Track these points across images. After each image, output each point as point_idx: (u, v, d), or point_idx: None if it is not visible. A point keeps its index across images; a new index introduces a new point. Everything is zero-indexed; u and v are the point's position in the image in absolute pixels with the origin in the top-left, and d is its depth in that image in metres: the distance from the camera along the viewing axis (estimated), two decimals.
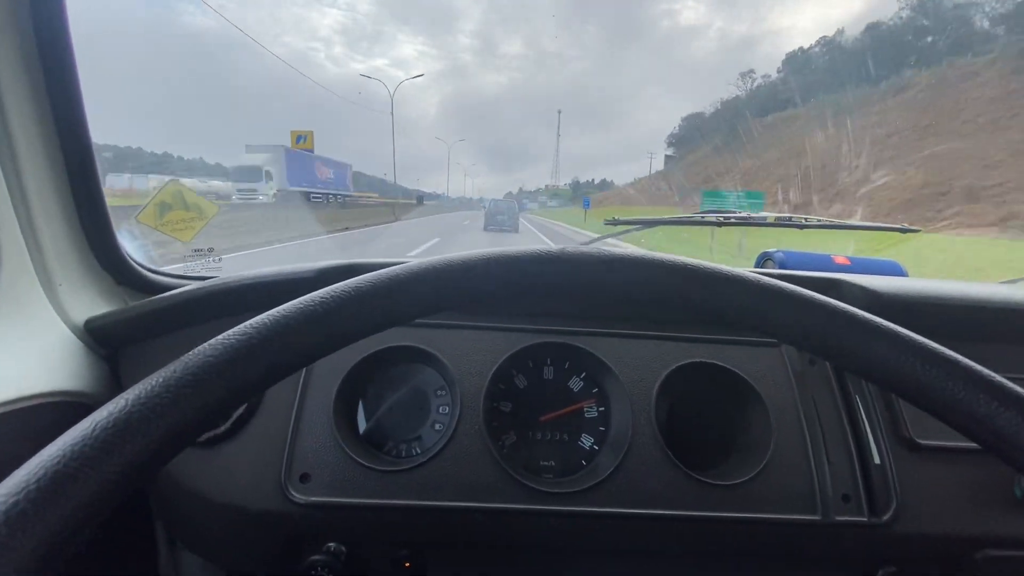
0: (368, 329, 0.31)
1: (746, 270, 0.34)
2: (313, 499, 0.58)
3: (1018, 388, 0.28)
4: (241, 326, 0.29)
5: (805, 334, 0.32)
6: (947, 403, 0.29)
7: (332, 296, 0.30)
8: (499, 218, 16.74)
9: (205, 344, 0.28)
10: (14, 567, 0.21)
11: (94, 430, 0.24)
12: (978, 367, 0.29)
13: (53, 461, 0.23)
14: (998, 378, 0.28)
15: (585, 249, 0.34)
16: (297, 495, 0.58)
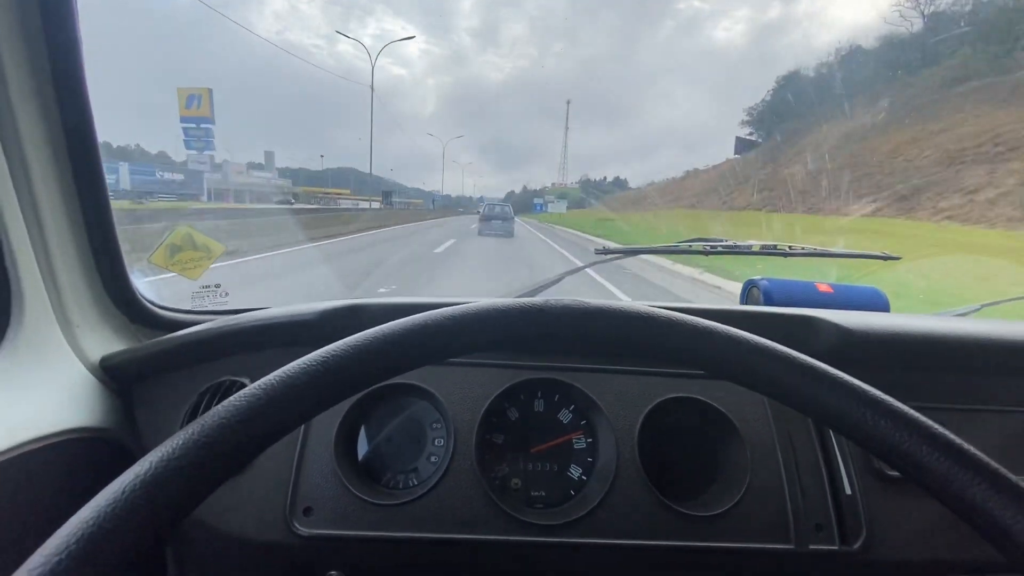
0: (367, 383, 0.36)
1: (679, 314, 0.38)
2: (316, 532, 0.62)
3: (930, 423, 0.32)
4: (249, 388, 0.33)
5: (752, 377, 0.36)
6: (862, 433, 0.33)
7: (332, 355, 0.34)
8: (494, 223, 16.47)
9: (220, 405, 0.32)
10: None
11: (123, 492, 0.28)
12: (891, 400, 0.33)
13: (87, 524, 0.27)
14: (916, 415, 0.33)
15: (566, 302, 0.38)
16: (301, 528, 0.62)
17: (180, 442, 0.30)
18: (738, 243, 1.08)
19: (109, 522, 0.27)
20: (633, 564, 0.64)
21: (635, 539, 0.63)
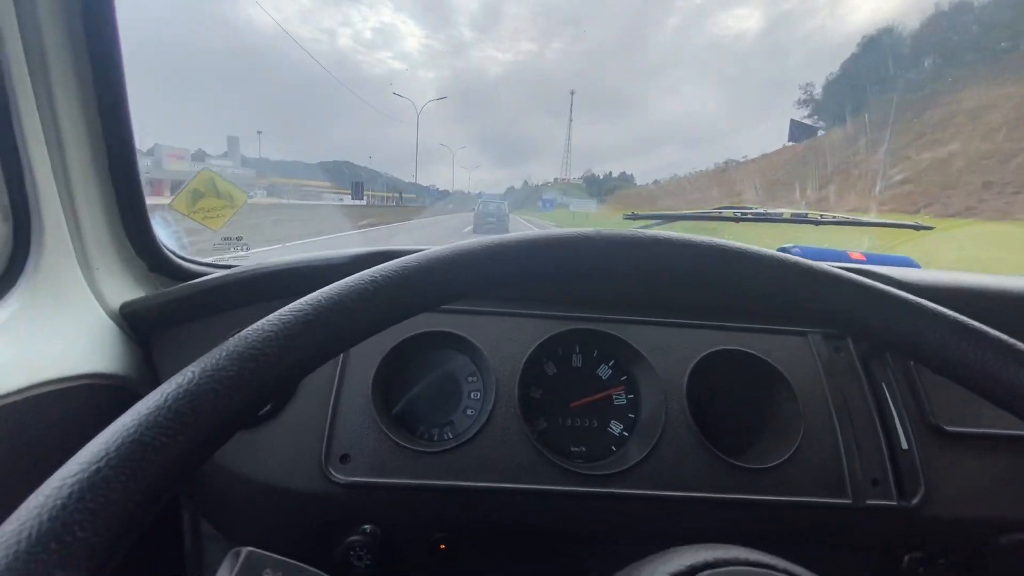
0: (417, 308, 0.32)
1: (778, 253, 0.35)
2: (353, 479, 0.59)
3: None
4: (296, 303, 0.30)
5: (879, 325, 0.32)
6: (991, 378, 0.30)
7: (381, 275, 0.31)
8: (489, 220, 16.50)
9: (261, 321, 0.29)
10: (104, 528, 0.21)
11: (165, 400, 0.25)
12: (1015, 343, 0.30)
13: (128, 431, 0.24)
14: None
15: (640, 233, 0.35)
16: (338, 475, 0.59)
17: (224, 353, 0.27)
18: (768, 211, 1.06)
19: (151, 430, 0.24)
20: (683, 517, 0.62)
21: (686, 491, 0.61)
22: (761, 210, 1.05)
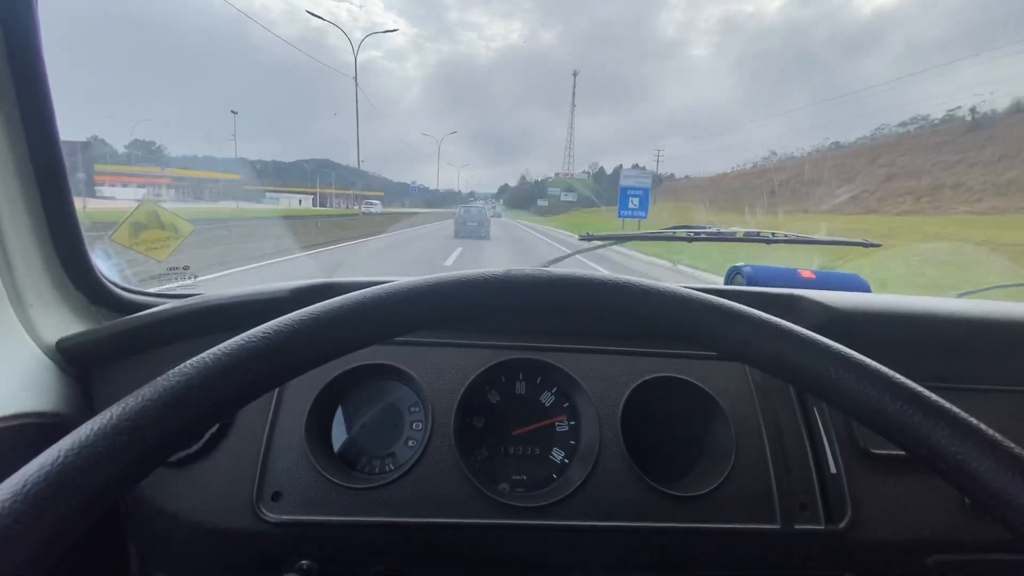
0: (332, 355, 0.33)
1: (680, 287, 0.36)
2: (285, 517, 0.59)
3: (937, 399, 0.31)
4: (180, 367, 0.30)
5: (746, 349, 0.34)
6: (874, 413, 0.31)
7: (292, 323, 0.32)
8: (470, 225, 16.15)
9: (178, 367, 0.29)
10: None
11: (58, 457, 0.25)
12: (907, 382, 0.31)
13: (14, 488, 0.24)
14: (928, 394, 0.31)
15: (531, 272, 0.36)
16: (269, 514, 0.59)
17: (121, 409, 0.27)
18: (722, 230, 1.08)
19: (40, 488, 0.24)
20: (617, 546, 0.63)
21: (619, 521, 0.62)
22: (714, 229, 1.07)
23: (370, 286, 0.35)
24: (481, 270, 0.36)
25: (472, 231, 15.82)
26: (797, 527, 0.63)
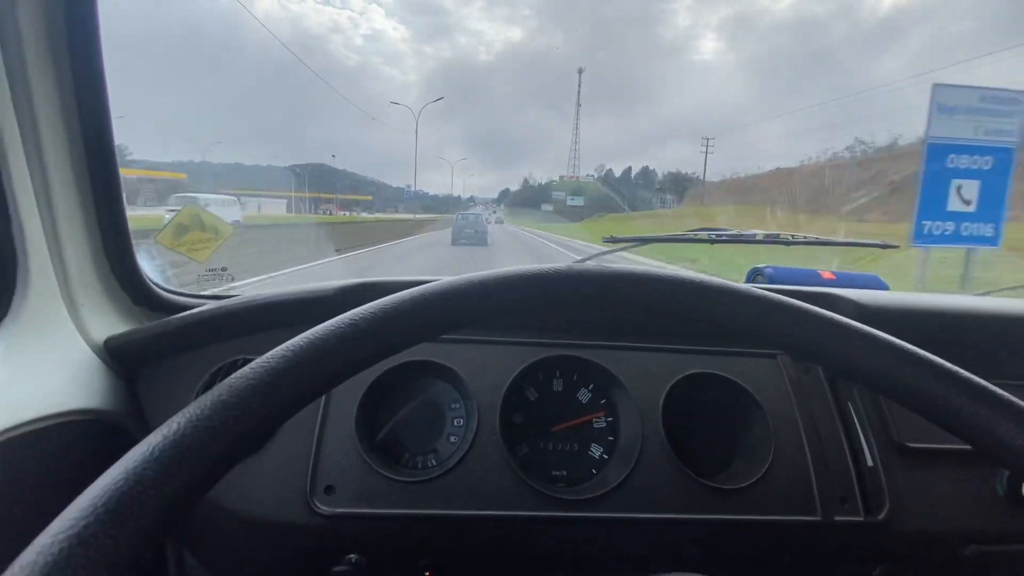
0: (398, 347, 0.34)
1: (752, 287, 0.38)
2: (338, 510, 0.60)
3: (1003, 393, 0.32)
4: (277, 350, 0.31)
5: (809, 347, 0.36)
6: (939, 406, 0.33)
7: (361, 317, 0.33)
8: (467, 232, 16.38)
9: (247, 367, 0.30)
10: None
11: (152, 452, 0.26)
12: (964, 373, 0.33)
13: (117, 484, 0.25)
14: (986, 384, 0.32)
15: (596, 268, 0.38)
16: (323, 507, 0.60)
17: (208, 403, 0.28)
18: (742, 232, 1.10)
19: (140, 483, 0.25)
20: (661, 538, 0.64)
21: (663, 512, 0.63)
22: (735, 231, 1.09)
23: (413, 284, 0.36)
24: (560, 266, 0.37)
25: (470, 237, 16.07)
26: (837, 519, 0.64)
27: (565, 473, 0.69)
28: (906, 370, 0.34)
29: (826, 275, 1.07)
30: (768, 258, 1.11)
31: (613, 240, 1.06)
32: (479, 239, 16.07)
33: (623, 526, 0.63)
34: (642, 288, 0.36)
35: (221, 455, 0.28)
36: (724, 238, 1.08)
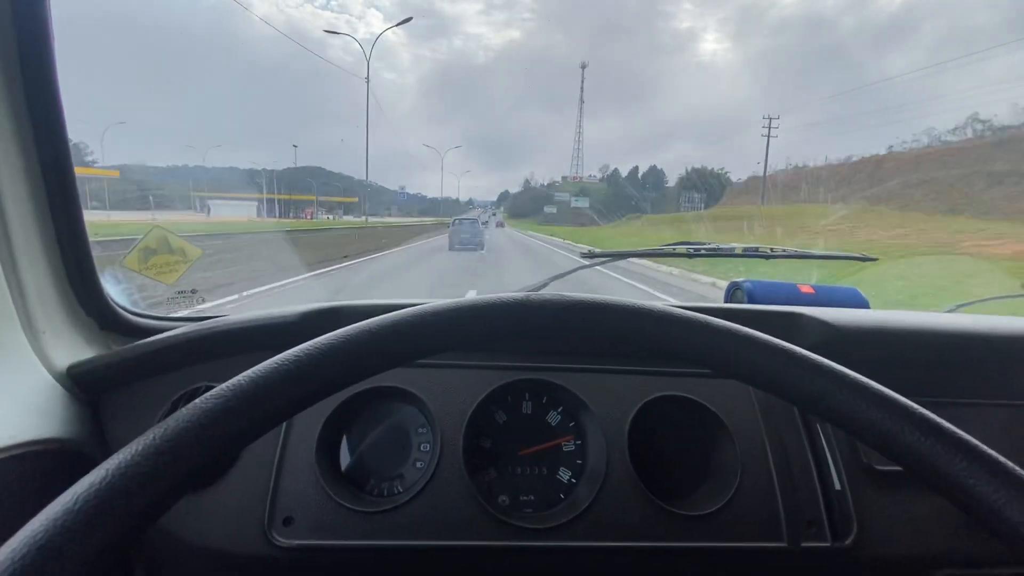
0: (343, 383, 0.34)
1: (693, 311, 0.37)
2: (296, 542, 0.59)
3: (934, 417, 0.32)
4: (216, 389, 0.31)
5: (751, 372, 0.35)
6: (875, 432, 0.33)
7: (305, 353, 0.33)
8: (463, 237, 17.04)
9: (183, 409, 0.30)
10: None
11: (75, 503, 0.26)
12: (905, 402, 0.33)
13: (36, 537, 0.24)
14: (926, 413, 0.32)
15: (547, 296, 0.37)
16: (280, 539, 0.59)
17: (140, 448, 0.28)
18: (721, 246, 1.10)
19: (59, 536, 0.24)
20: (626, 566, 0.63)
21: (627, 541, 0.62)
22: (713, 245, 1.09)
23: (376, 309, 0.36)
24: (522, 294, 0.37)
25: (466, 243, 16.76)
26: (804, 544, 0.63)
27: (533, 498, 0.69)
28: (817, 382, 0.34)
29: (805, 289, 1.07)
30: (747, 272, 1.11)
31: (591, 255, 1.05)
32: (475, 244, 16.82)
33: (587, 554, 0.62)
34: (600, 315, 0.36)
35: (151, 502, 0.27)
36: (703, 252, 1.08)
